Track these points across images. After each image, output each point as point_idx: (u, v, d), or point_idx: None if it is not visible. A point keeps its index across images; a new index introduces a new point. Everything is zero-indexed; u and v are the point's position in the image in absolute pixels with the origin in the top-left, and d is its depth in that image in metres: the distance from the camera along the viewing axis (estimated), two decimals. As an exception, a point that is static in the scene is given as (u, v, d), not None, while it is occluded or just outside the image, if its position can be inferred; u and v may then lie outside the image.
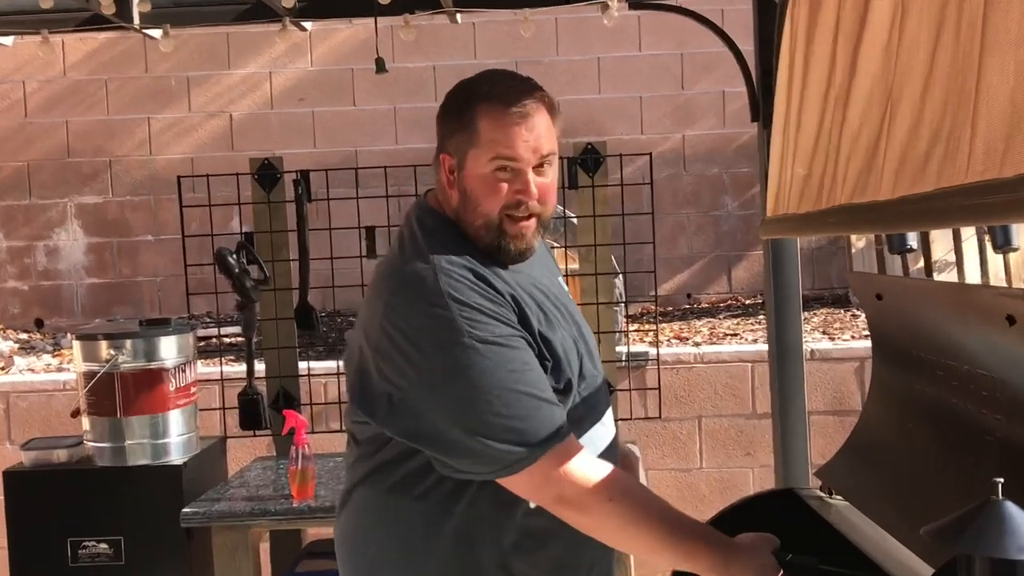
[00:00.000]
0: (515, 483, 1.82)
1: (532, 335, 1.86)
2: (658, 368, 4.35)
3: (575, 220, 3.88)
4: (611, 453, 2.03)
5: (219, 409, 4.20)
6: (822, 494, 2.33)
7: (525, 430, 1.78)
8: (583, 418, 1.96)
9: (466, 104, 1.89)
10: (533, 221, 1.92)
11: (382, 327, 1.84)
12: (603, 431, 2.03)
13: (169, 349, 3.51)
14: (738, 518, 2.07)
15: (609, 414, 2.08)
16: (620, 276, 5.08)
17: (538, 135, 1.89)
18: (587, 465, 1.84)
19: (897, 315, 2.18)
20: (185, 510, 3.25)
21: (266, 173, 3.84)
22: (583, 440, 1.94)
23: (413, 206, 2.02)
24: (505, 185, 1.88)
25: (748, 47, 3.39)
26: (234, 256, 3.59)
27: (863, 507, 2.13)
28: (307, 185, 3.82)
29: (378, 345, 1.85)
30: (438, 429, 1.81)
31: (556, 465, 1.80)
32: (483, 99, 1.88)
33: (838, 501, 2.25)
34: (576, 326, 2.04)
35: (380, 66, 3.28)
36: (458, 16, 3.68)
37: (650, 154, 4.03)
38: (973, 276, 5.52)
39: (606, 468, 1.85)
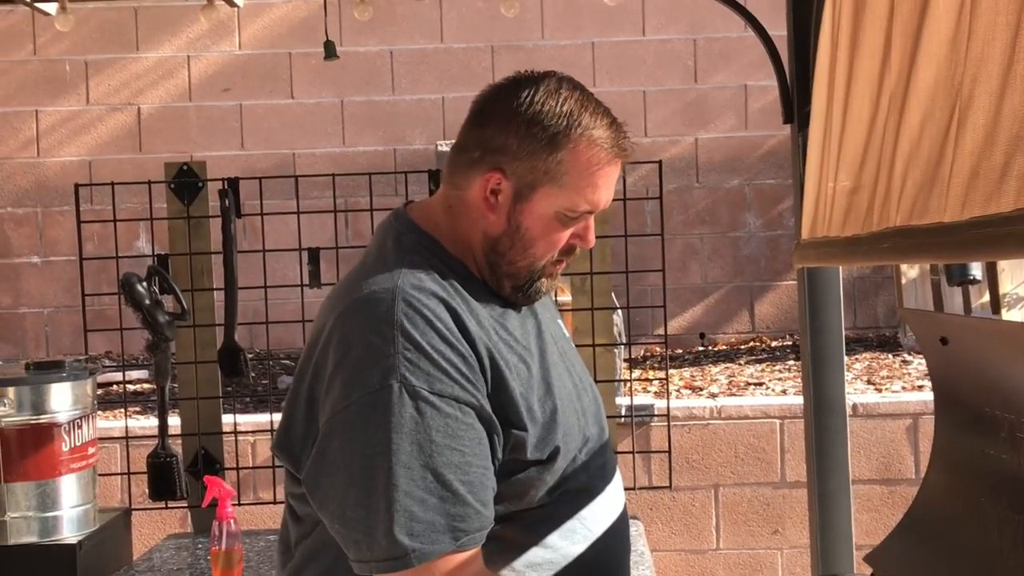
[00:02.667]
0: None
1: (507, 396, 1.86)
2: (667, 424, 4.35)
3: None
4: (620, 529, 2.07)
5: (123, 474, 4.17)
6: (873, 584, 2.33)
7: (418, 521, 1.76)
8: (588, 487, 1.99)
9: (562, 132, 1.91)
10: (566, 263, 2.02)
11: (320, 355, 1.86)
12: (612, 501, 2.06)
13: (62, 399, 3.47)
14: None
15: (617, 480, 2.11)
16: (619, 311, 5.09)
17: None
18: None
19: (966, 363, 2.18)
20: (80, 601, 3.21)
21: (185, 181, 3.83)
22: (588, 512, 1.97)
23: (390, 218, 2.03)
24: (566, 231, 1.95)
25: (779, 31, 3.42)
26: (144, 284, 3.57)
27: (925, 600, 2.13)
28: (236, 196, 3.81)
29: (314, 377, 1.86)
30: (333, 488, 1.80)
31: (440, 574, 1.78)
32: (585, 133, 1.91)
33: (893, 593, 2.25)
34: (579, 379, 2.07)
35: (330, 50, 3.29)
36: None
37: (659, 162, 4.04)
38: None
39: None
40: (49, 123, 7.17)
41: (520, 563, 1.92)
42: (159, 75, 7.18)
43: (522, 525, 1.93)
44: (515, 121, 1.91)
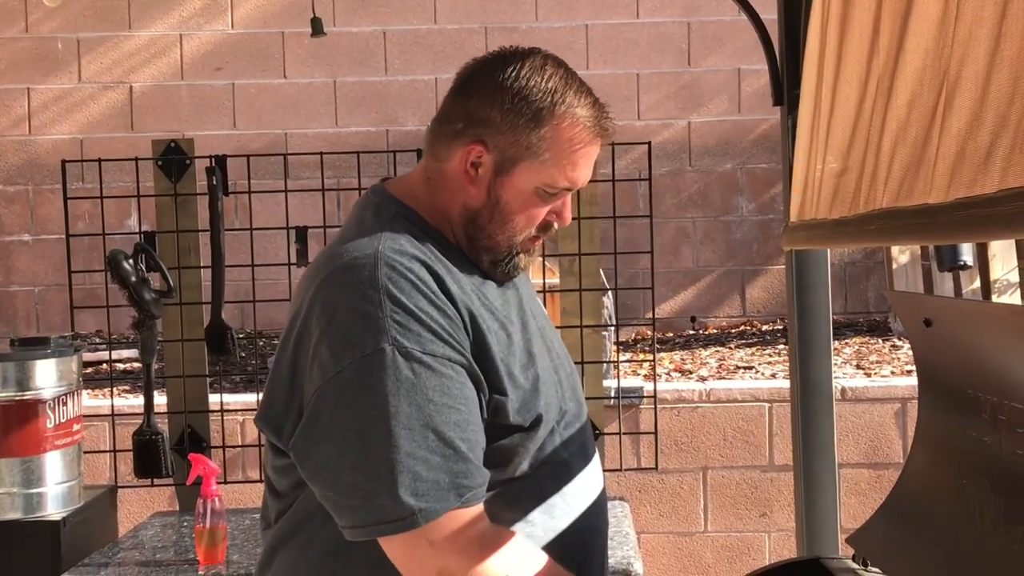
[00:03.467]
0: (391, 545, 1.80)
1: (488, 362, 1.87)
2: (654, 407, 4.35)
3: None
4: (599, 506, 2.08)
5: (109, 452, 4.16)
6: (855, 565, 2.33)
7: (423, 480, 1.76)
8: (568, 462, 2.00)
9: (546, 108, 1.92)
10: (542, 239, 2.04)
11: (302, 324, 1.85)
12: (591, 479, 2.06)
13: (47, 376, 3.48)
14: (752, 594, 2.06)
15: (596, 460, 2.12)
16: (610, 293, 5.08)
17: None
18: (486, 537, 1.83)
19: (950, 345, 2.18)
20: (64, 576, 3.22)
21: (172, 158, 3.82)
22: (569, 489, 1.98)
23: (367, 192, 2.04)
24: (545, 207, 1.97)
25: (771, 16, 3.41)
26: (131, 261, 3.56)
27: (905, 582, 2.13)
28: (223, 174, 3.81)
29: (296, 346, 1.86)
30: (326, 455, 1.80)
31: (448, 532, 1.78)
32: (568, 110, 1.93)
33: (874, 573, 2.25)
34: (556, 354, 2.09)
35: (316, 27, 3.27)
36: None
37: (648, 143, 4.03)
38: (1041, 300, 5.57)
39: (508, 540, 1.86)
40: (41, 101, 7.14)
41: None
42: (151, 53, 7.15)
43: (505, 499, 1.93)
44: (500, 95, 1.92)
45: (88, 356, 5.86)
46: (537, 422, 1.91)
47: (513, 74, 1.93)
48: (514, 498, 1.94)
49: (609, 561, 3.04)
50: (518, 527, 1.93)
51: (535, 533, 1.94)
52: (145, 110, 7.13)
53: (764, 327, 7.02)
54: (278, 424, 1.87)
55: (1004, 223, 1.58)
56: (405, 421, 1.76)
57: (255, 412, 1.96)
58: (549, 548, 1.95)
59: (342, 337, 1.80)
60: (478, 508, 1.83)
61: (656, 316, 6.92)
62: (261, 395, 1.96)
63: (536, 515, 1.95)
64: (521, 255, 2.00)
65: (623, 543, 3.29)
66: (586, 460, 2.07)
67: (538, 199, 1.95)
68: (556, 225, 2.02)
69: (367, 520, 1.78)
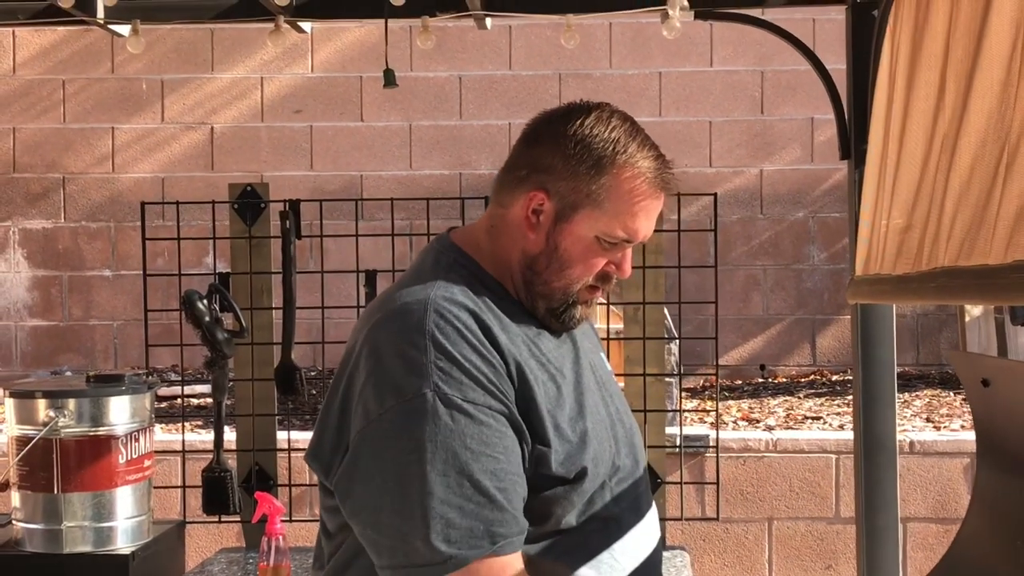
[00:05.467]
0: None
1: (533, 412, 1.88)
2: (716, 455, 4.34)
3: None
4: (652, 562, 2.06)
5: (179, 487, 4.22)
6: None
7: (455, 527, 1.78)
8: (618, 518, 1.99)
9: (608, 157, 1.94)
10: (602, 291, 2.04)
11: (353, 366, 1.89)
12: (643, 535, 2.05)
13: (121, 412, 3.53)
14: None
15: (653, 514, 2.11)
16: (676, 341, 5.08)
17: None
18: None
19: (1007, 406, 2.17)
20: (131, 610, 3.26)
21: (248, 202, 3.88)
22: (619, 545, 1.97)
23: (433, 240, 2.07)
24: (604, 258, 1.98)
25: (840, 66, 3.42)
26: (205, 301, 3.61)
27: (960, 643, 2.12)
28: (296, 218, 3.86)
29: (347, 387, 1.89)
30: (365, 496, 1.83)
31: None
32: (630, 160, 1.95)
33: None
34: (616, 410, 2.09)
35: (389, 79, 3.32)
36: (487, 21, 3.72)
37: (715, 194, 4.04)
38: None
39: None
40: (124, 140, 7.29)
41: None
42: (232, 95, 7.28)
43: (554, 554, 1.93)
44: (563, 143, 1.95)
45: (163, 392, 5.96)
46: (582, 475, 1.91)
47: (579, 123, 1.95)
48: (562, 553, 1.94)
49: (667, 611, 3.05)
50: None
51: None
52: (225, 150, 7.25)
53: (834, 377, 6.96)
54: (327, 463, 1.89)
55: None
56: (441, 467, 1.78)
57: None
58: None
59: (386, 381, 1.83)
60: (513, 557, 1.83)
61: (725, 364, 6.92)
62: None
63: (584, 571, 1.95)
64: (579, 305, 2.01)
65: (682, 593, 3.28)
66: (639, 516, 2.05)
67: (597, 248, 1.96)
68: (616, 277, 2.02)
69: (403, 562, 1.80)
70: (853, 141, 3.35)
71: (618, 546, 1.99)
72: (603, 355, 2.22)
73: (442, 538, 1.77)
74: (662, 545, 2.14)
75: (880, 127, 2.71)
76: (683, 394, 6.43)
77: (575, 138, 1.95)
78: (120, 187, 7.25)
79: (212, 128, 7.28)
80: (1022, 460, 2.08)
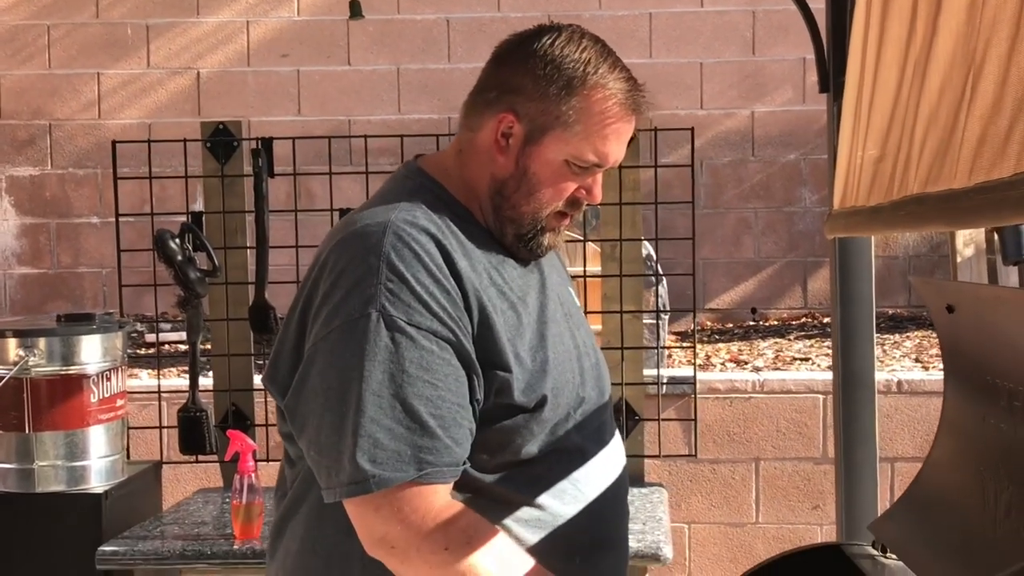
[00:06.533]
0: (349, 509, 1.82)
1: (492, 340, 1.86)
2: (694, 394, 4.32)
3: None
4: (616, 492, 2.07)
5: (156, 428, 4.22)
6: (874, 552, 2.31)
7: (383, 448, 1.76)
8: (581, 448, 1.99)
9: (579, 77, 1.91)
10: (571, 218, 2.02)
11: (311, 286, 1.87)
12: (606, 465, 2.05)
13: (92, 351, 3.52)
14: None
15: (617, 443, 2.11)
16: (663, 282, 5.05)
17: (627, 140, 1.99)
18: (441, 514, 1.81)
19: (971, 332, 2.14)
20: (103, 548, 3.26)
21: (220, 140, 3.86)
22: (580, 474, 1.97)
23: (401, 167, 2.05)
24: (574, 182, 1.95)
25: (821, 4, 3.37)
26: (177, 240, 3.60)
27: (921, 569, 2.10)
28: (269, 156, 3.84)
29: (303, 308, 1.88)
30: (309, 414, 1.82)
31: (398, 502, 1.78)
32: (601, 81, 1.92)
33: (892, 561, 2.23)
34: (582, 343, 2.08)
35: (355, 11, 3.28)
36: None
37: (691, 129, 4.00)
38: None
39: (467, 519, 1.83)
40: (110, 85, 7.24)
41: (510, 520, 1.92)
42: (218, 39, 7.23)
43: (514, 484, 1.93)
44: (533, 63, 1.91)
45: (150, 338, 5.95)
46: (542, 403, 1.90)
47: (548, 43, 1.92)
48: (522, 483, 1.93)
49: (638, 545, 3.05)
50: (526, 511, 1.93)
51: (543, 518, 1.94)
52: (211, 96, 7.21)
53: (825, 319, 6.94)
54: (283, 385, 1.88)
55: (1015, 207, 1.55)
56: (375, 388, 1.76)
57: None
58: (557, 533, 1.95)
59: (337, 300, 1.81)
60: (441, 487, 1.81)
61: (716, 307, 6.90)
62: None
63: (545, 499, 1.94)
64: (547, 232, 1.98)
65: (655, 528, 3.27)
66: (601, 445, 2.05)
67: (567, 172, 1.94)
68: (587, 203, 2.00)
69: (333, 482, 1.80)
70: (831, 74, 3.30)
71: (580, 475, 1.99)
72: (571, 289, 2.20)
73: (368, 457, 1.76)
74: (627, 474, 2.13)
75: (857, 58, 2.67)
76: (672, 338, 6.41)
77: (545, 58, 1.91)
78: (107, 133, 7.20)
79: (198, 73, 7.23)
80: (985, 386, 2.06)
